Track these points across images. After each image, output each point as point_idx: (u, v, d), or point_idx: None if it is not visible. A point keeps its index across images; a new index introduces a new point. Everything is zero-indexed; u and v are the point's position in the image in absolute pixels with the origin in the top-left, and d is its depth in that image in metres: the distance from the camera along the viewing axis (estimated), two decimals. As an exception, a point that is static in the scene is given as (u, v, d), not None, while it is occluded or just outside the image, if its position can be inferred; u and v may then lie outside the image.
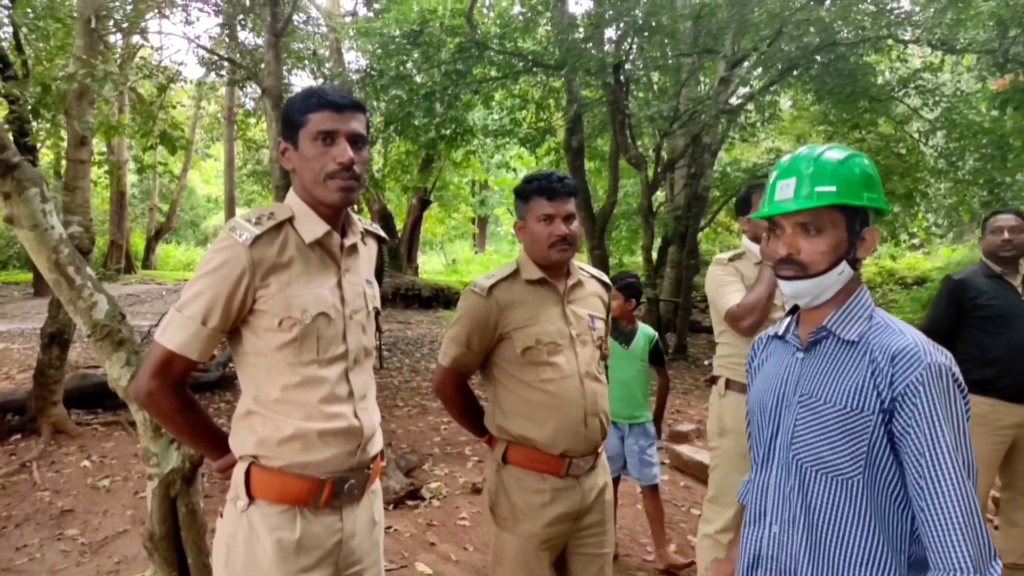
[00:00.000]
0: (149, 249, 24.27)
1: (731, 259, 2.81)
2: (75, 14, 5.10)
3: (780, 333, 1.46)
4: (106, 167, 10.67)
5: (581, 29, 8.85)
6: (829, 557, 1.28)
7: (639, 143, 11.10)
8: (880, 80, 10.92)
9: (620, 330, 3.52)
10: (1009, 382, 2.99)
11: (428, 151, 12.57)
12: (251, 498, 1.45)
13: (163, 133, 9.86)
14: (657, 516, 3.52)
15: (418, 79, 9.73)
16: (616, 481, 3.56)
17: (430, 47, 8.90)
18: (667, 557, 3.49)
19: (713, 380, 2.89)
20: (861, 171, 1.31)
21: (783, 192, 1.33)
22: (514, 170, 18.19)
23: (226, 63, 9.98)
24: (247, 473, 1.46)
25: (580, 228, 2.04)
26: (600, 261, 10.47)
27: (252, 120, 13.91)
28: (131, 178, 24.54)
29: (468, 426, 2.16)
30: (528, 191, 2.01)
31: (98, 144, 17.29)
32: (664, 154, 10.24)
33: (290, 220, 1.51)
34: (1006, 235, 3.06)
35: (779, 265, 1.34)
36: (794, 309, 1.44)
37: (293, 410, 1.45)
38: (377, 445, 1.62)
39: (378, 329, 1.98)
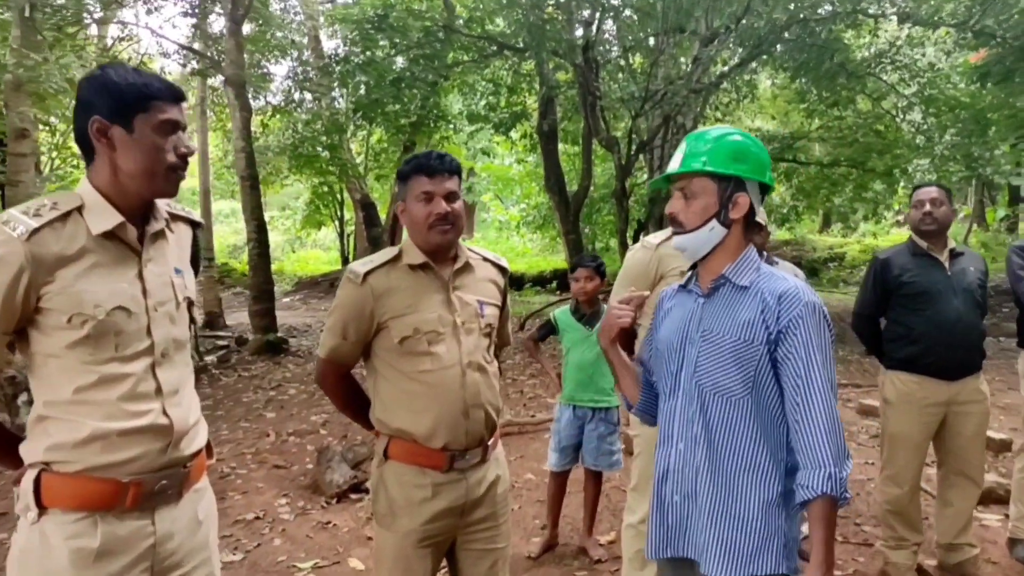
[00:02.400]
0: (132, 244, 24.05)
1: (660, 243, 2.65)
2: (10, 3, 4.93)
3: (684, 284, 1.71)
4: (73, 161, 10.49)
5: (548, 8, 8.69)
6: (724, 466, 1.53)
7: (614, 125, 10.98)
8: (858, 56, 10.79)
9: (581, 312, 3.44)
10: (934, 359, 2.91)
11: (404, 138, 12.41)
12: (42, 508, 1.35)
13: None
14: (592, 501, 3.46)
15: (390, 64, 9.58)
16: (565, 474, 3.50)
17: (396, 32, 8.73)
18: (588, 544, 3.44)
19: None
20: (732, 146, 1.58)
21: (673, 162, 1.63)
22: (490, 155, 18.04)
23: (187, 52, 9.80)
24: (36, 481, 1.36)
25: (464, 208, 1.93)
26: (575, 246, 10.38)
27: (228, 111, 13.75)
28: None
29: (356, 420, 2.07)
30: (407, 170, 1.91)
31: (69, 136, 17.09)
32: (637, 136, 10.12)
33: (79, 209, 1.41)
34: (927, 207, 2.96)
35: (670, 223, 1.65)
36: (693, 267, 1.69)
37: (91, 410, 1.37)
38: (196, 442, 1.54)
39: (192, 321, 1.90)
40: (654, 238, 2.68)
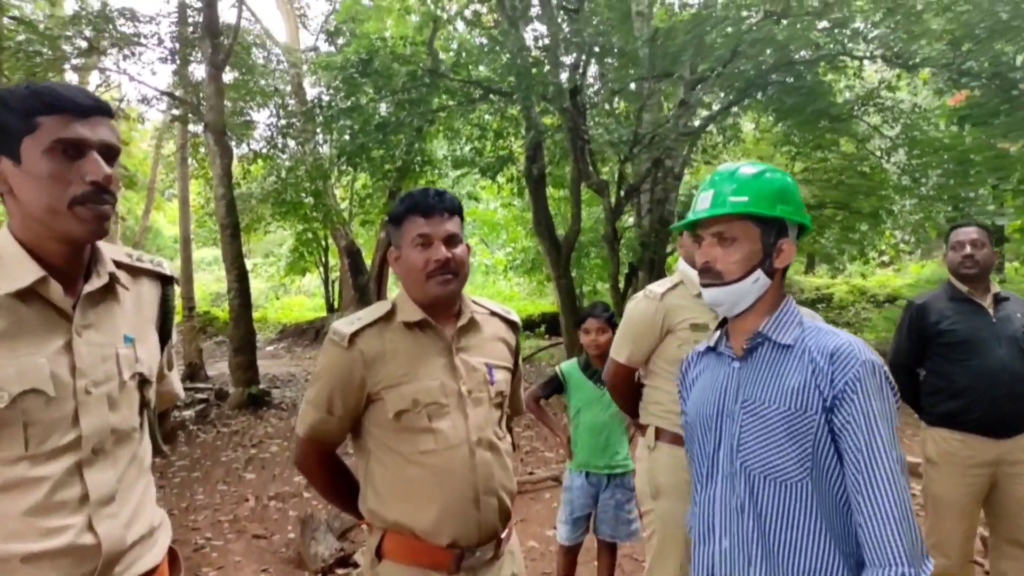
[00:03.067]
0: (111, 293, 23.63)
1: (666, 292, 2.42)
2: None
3: (712, 346, 1.49)
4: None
5: (534, 53, 8.66)
6: (783, 565, 1.27)
7: (602, 168, 10.90)
8: (840, 99, 10.87)
9: (592, 368, 3.12)
10: (978, 414, 2.66)
11: (389, 184, 12.27)
12: None
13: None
14: (607, 575, 3.14)
15: (376, 108, 9.48)
16: (576, 548, 3.17)
17: (381, 77, 8.64)
18: None
19: (641, 429, 2.53)
20: (775, 184, 1.38)
21: (702, 203, 1.41)
22: (478, 199, 17.96)
23: (166, 98, 9.65)
24: None
25: (467, 255, 1.68)
26: (567, 291, 10.18)
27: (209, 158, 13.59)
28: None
29: (344, 508, 1.78)
30: (400, 212, 1.65)
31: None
32: (627, 179, 10.03)
33: None
34: (968, 250, 2.75)
35: (700, 274, 1.42)
36: (722, 323, 1.47)
37: None
38: (142, 563, 1.22)
39: (144, 405, 1.20)
40: (658, 286, 2.45)
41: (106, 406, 1.19)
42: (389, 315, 1.65)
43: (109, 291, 1.25)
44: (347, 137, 9.26)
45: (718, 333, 1.49)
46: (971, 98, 9.34)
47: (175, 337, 1.49)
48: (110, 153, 1.19)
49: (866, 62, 9.90)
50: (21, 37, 8.30)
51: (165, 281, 1.41)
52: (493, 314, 1.80)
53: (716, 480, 1.39)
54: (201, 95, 9.62)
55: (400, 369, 1.59)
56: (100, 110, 1.19)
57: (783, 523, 1.28)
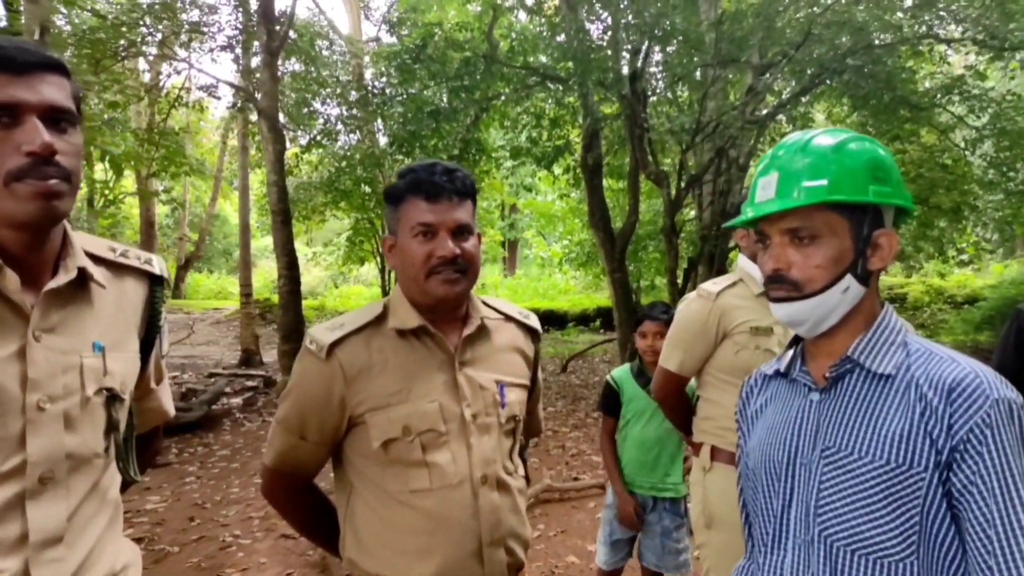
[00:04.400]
0: (179, 278, 24.43)
1: (721, 291, 2.12)
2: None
3: (782, 370, 1.16)
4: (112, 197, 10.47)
5: (593, 37, 8.33)
6: None
7: (662, 159, 10.51)
8: (922, 87, 10.20)
9: (647, 376, 2.77)
10: None
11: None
12: None
13: (164, 157, 9.62)
14: None
15: (430, 95, 9.34)
16: (616, 573, 2.87)
17: (435, 63, 8.46)
18: None
19: (695, 448, 2.23)
20: (865, 158, 1.04)
21: (764, 192, 1.07)
22: (531, 190, 17.74)
23: (225, 86, 9.72)
24: None
25: (479, 249, 1.39)
26: (621, 286, 9.85)
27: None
28: (162, 208, 24.86)
29: (324, 546, 1.51)
30: (400, 189, 1.35)
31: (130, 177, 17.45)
32: (688, 170, 9.62)
33: None
34: None
35: (768, 284, 1.09)
36: (796, 339, 1.15)
37: None
38: None
39: (113, 426, 1.08)
40: (713, 285, 2.15)
41: (61, 426, 0.99)
42: (378, 320, 1.37)
43: (79, 289, 1.06)
44: (400, 124, 9.12)
45: (790, 353, 1.17)
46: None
47: (166, 345, 1.27)
48: (61, 116, 0.99)
49: (952, 47, 9.23)
50: (86, 26, 8.46)
51: (154, 281, 1.21)
52: (508, 319, 1.50)
53: (785, 547, 1.07)
54: (256, 82, 9.66)
55: (389, 387, 1.31)
56: (45, 65, 0.99)
57: None
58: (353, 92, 12.25)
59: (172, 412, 1.40)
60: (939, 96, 10.12)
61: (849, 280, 1.04)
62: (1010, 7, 6.90)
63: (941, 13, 7.59)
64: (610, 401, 2.86)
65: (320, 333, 1.35)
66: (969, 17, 7.12)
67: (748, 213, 1.09)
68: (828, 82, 9.08)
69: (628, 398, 2.81)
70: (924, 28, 7.57)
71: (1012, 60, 9.23)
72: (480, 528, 1.30)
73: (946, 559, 0.95)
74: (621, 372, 2.90)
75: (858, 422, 1.02)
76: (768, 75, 8.62)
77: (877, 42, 7.57)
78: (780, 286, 1.07)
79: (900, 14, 7.78)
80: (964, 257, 17.56)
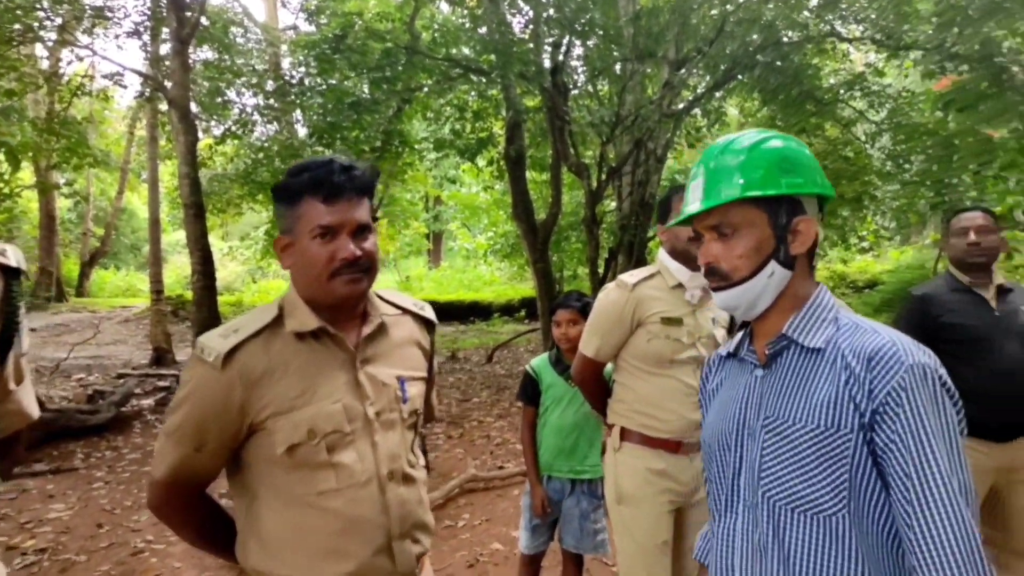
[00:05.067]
0: (83, 275, 23.11)
1: (638, 282, 2.24)
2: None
3: (732, 351, 1.28)
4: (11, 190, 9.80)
5: (515, 30, 8.36)
6: None
7: (584, 151, 10.67)
8: (825, 84, 10.72)
9: (564, 363, 2.84)
10: (987, 417, 2.42)
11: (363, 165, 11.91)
12: None
13: (66, 148, 9.09)
14: None
15: (350, 86, 9.14)
16: (539, 557, 2.92)
17: (355, 53, 8.29)
18: None
19: (608, 429, 2.36)
20: (774, 154, 1.15)
21: (693, 194, 1.20)
22: (457, 183, 17.66)
23: (131, 74, 9.24)
24: None
25: (377, 246, 1.38)
26: (544, 276, 9.97)
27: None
28: (64, 202, 23.41)
29: (219, 555, 1.44)
30: (294, 187, 1.31)
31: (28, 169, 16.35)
32: (608, 162, 9.81)
33: None
34: (972, 236, 2.52)
35: (706, 276, 1.21)
36: (745, 322, 1.26)
37: None
38: None
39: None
40: (631, 276, 2.27)
41: None
42: (276, 323, 1.33)
43: None
44: (319, 116, 8.91)
45: (739, 335, 1.27)
46: (957, 83, 9.22)
47: (26, 343, 1.21)
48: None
49: (853, 46, 9.74)
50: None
51: (10, 274, 1.14)
52: (404, 312, 1.50)
53: (736, 511, 1.17)
54: (165, 71, 9.23)
55: (291, 391, 1.28)
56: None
57: (815, 566, 1.05)
58: (270, 82, 11.91)
59: (36, 414, 1.33)
60: (842, 92, 10.66)
61: (773, 266, 1.14)
62: (904, 9, 7.34)
63: (843, 13, 7.99)
64: (529, 390, 2.90)
65: (213, 341, 1.28)
66: (868, 18, 7.53)
67: (680, 215, 1.23)
68: (740, 77, 9.43)
69: (547, 385, 2.86)
70: (828, 27, 7.96)
71: (906, 59, 9.79)
72: (390, 523, 1.31)
73: (874, 511, 1.04)
74: (540, 361, 2.93)
75: (793, 392, 1.11)
76: (683, 70, 8.87)
77: (785, 39, 7.90)
78: (713, 277, 1.18)
79: (807, 13, 8.15)
80: (865, 244, 18.63)
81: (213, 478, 1.37)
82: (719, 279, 1.17)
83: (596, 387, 2.39)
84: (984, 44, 7.35)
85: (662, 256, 2.30)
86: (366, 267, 1.32)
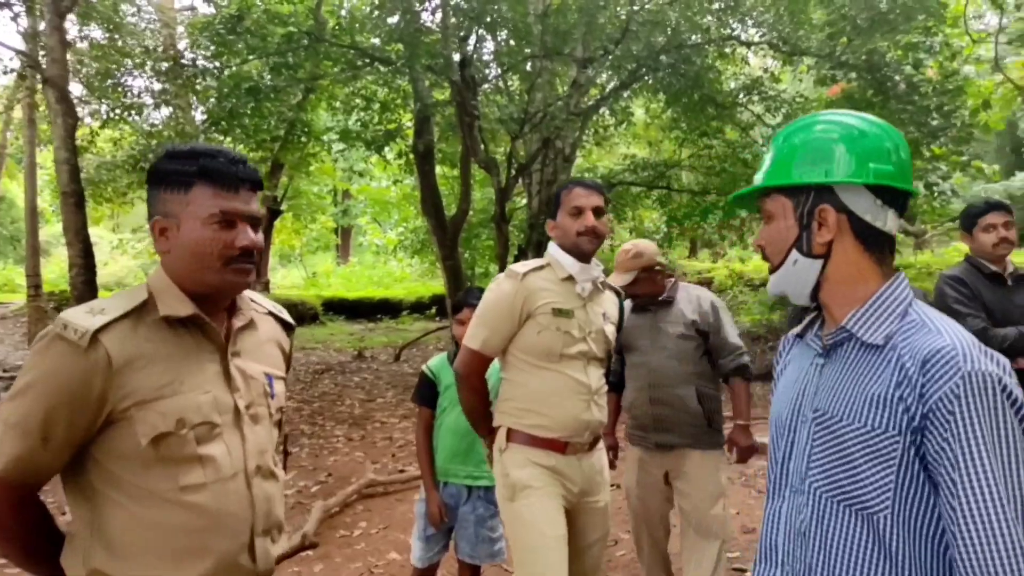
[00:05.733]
0: (-49, 269, 21.17)
1: (528, 272, 2.18)
2: None
3: (800, 332, 1.26)
4: None
5: (424, 19, 8.19)
6: None
7: (494, 147, 10.61)
8: (726, 88, 11.10)
9: None
10: None
11: (267, 156, 11.42)
12: None
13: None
14: None
15: (248, 71, 8.71)
16: (432, 570, 2.79)
17: (253, 36, 7.89)
18: None
19: (492, 432, 2.28)
20: (805, 143, 1.13)
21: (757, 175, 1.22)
22: (367, 177, 17.30)
23: (3, 49, 8.46)
24: None
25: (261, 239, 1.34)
26: (453, 273, 9.86)
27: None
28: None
29: (39, 567, 1.28)
30: (187, 172, 1.25)
31: None
32: (517, 159, 9.80)
33: None
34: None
35: (763, 259, 1.23)
36: (818, 307, 1.21)
37: None
38: None
39: None
40: (522, 266, 2.21)
41: None
42: (144, 307, 1.25)
43: None
44: (215, 101, 8.44)
45: (809, 317, 1.25)
46: (846, 90, 9.77)
47: None
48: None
49: (752, 51, 10.12)
50: None
51: None
52: (268, 313, 1.49)
53: (783, 495, 1.18)
54: (43, 47, 8.50)
55: (159, 379, 1.21)
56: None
57: (853, 560, 1.05)
58: (163, 64, 11.22)
59: None
60: (741, 96, 11.09)
61: (795, 255, 1.14)
62: (800, 16, 7.67)
63: (743, 17, 8.27)
64: (426, 392, 2.78)
65: (79, 318, 1.18)
66: (766, 22, 7.81)
67: (733, 195, 1.25)
68: (646, 78, 9.62)
69: (445, 386, 2.74)
70: (728, 31, 8.21)
71: (801, 65, 10.27)
72: (254, 519, 1.28)
73: (922, 515, 1.01)
74: (437, 361, 2.82)
75: (846, 388, 1.09)
76: (590, 69, 8.96)
77: (687, 41, 8.10)
78: (765, 259, 1.21)
79: (709, 16, 8.38)
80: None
81: (51, 478, 1.24)
82: (768, 262, 1.21)
83: (479, 383, 2.25)
84: (870, 54, 7.79)
85: (552, 249, 2.26)
86: (255, 260, 1.31)
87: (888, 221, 1.11)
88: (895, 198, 1.11)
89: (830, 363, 1.15)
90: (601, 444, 2.35)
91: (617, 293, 2.44)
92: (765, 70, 11.27)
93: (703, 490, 2.71)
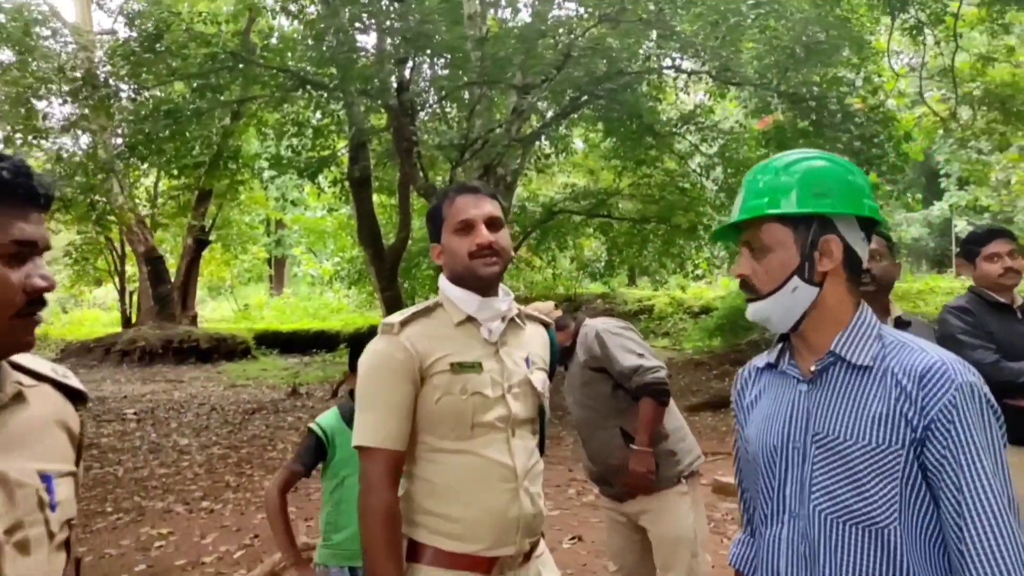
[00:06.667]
0: None
1: (408, 321, 1.61)
2: None
3: (773, 362, 1.30)
4: None
5: (358, 40, 7.91)
6: None
7: (433, 175, 10.36)
8: (664, 117, 11.21)
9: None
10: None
11: (192, 183, 10.84)
12: None
13: None
14: None
15: (166, 91, 8.22)
16: None
17: (173, 56, 7.44)
18: None
19: None
20: (805, 175, 1.20)
21: (734, 208, 1.28)
22: (301, 206, 16.80)
23: None
24: None
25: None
26: (392, 304, 9.47)
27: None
28: None
29: None
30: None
31: None
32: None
33: None
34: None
35: (740, 288, 1.29)
36: (783, 336, 1.29)
37: None
38: None
39: None
40: (397, 315, 1.65)
41: None
42: None
43: None
44: (131, 124, 7.90)
45: (779, 348, 1.29)
46: (777, 122, 9.99)
47: None
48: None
49: (688, 81, 10.23)
50: None
51: None
52: (43, 379, 1.05)
53: (782, 520, 1.21)
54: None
55: None
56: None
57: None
58: (74, 84, 10.58)
59: None
60: (678, 126, 11.21)
61: (796, 282, 1.18)
62: (736, 46, 7.73)
63: (680, 45, 8.29)
64: (314, 455, 2.25)
65: None
66: (708, 48, 7.84)
67: (715, 229, 1.28)
68: (586, 108, 9.58)
69: (341, 448, 2.20)
70: (669, 59, 8.22)
71: (731, 98, 10.46)
72: None
73: (923, 524, 1.09)
74: (330, 419, 2.28)
75: (843, 409, 1.15)
76: (531, 95, 8.84)
77: (627, 69, 8.07)
78: (745, 289, 1.25)
79: (650, 43, 8.38)
80: (699, 272, 19.85)
81: None
82: (749, 291, 1.23)
83: (394, 501, 1.57)
84: (804, 84, 7.92)
85: (442, 284, 1.69)
86: (44, 302, 0.95)
87: (864, 251, 1.22)
88: (868, 230, 1.23)
89: (818, 388, 1.19)
90: (543, 549, 1.74)
91: (545, 324, 1.85)
92: (697, 106, 11.47)
93: (662, 536, 2.53)
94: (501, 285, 1.69)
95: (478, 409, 1.58)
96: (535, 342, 1.77)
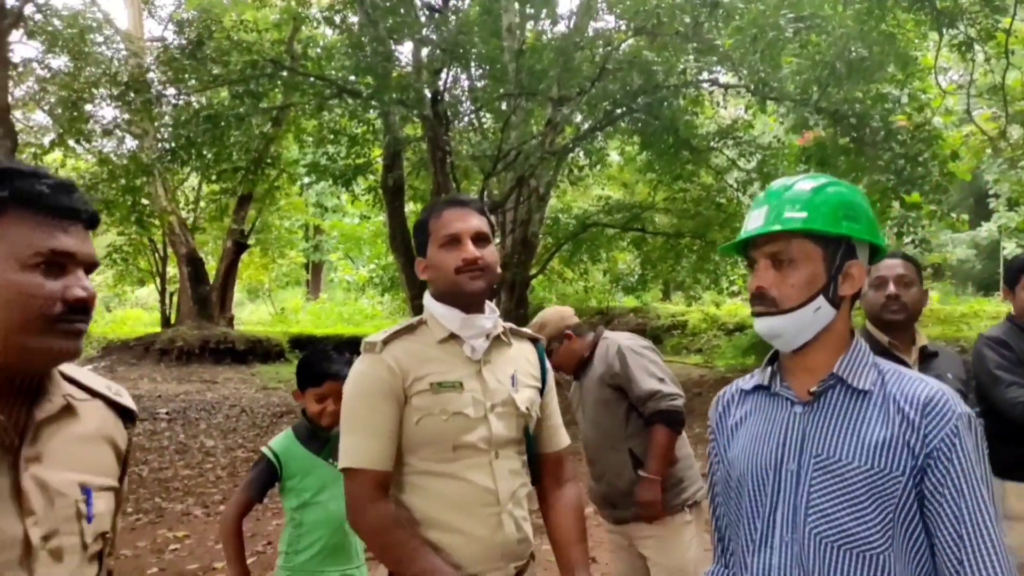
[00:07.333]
0: None
1: (389, 340, 1.58)
2: None
3: (764, 384, 1.27)
4: None
5: (395, 51, 7.99)
6: None
7: (467, 184, 10.40)
8: (701, 131, 11.08)
9: (323, 438, 2.17)
10: None
11: (233, 187, 11.05)
12: None
13: None
14: None
15: (210, 97, 8.41)
16: None
17: (215, 63, 7.61)
18: None
19: None
20: (838, 198, 1.22)
21: (754, 221, 1.24)
22: (340, 212, 17.01)
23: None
24: None
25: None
26: (421, 312, 9.49)
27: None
28: None
29: None
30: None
31: None
32: (489, 197, 9.57)
33: None
34: (891, 288, 2.16)
35: (752, 301, 1.24)
36: (772, 358, 1.28)
37: None
38: None
39: None
40: (379, 335, 1.60)
41: None
42: None
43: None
44: (172, 129, 8.09)
45: (768, 369, 1.27)
46: (818, 139, 9.79)
47: None
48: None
49: (726, 96, 10.10)
50: None
51: None
52: (95, 395, 1.06)
53: (772, 546, 1.18)
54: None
55: None
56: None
57: None
58: (119, 88, 10.91)
59: None
60: (715, 140, 11.06)
61: (821, 301, 1.17)
62: (775, 60, 7.60)
63: (718, 58, 8.20)
64: (264, 480, 2.18)
65: None
66: (747, 63, 7.73)
67: (740, 236, 1.24)
68: (622, 121, 9.52)
69: (300, 472, 2.16)
70: (706, 73, 8.13)
71: (773, 113, 10.28)
72: None
73: (912, 549, 1.11)
74: (283, 442, 2.21)
75: (843, 432, 1.15)
76: (566, 108, 8.82)
77: (664, 83, 8.00)
78: (760, 302, 1.20)
79: (687, 57, 8.31)
80: (735, 288, 19.55)
81: None
82: (767, 305, 1.19)
83: (389, 523, 1.53)
84: (847, 102, 7.75)
85: (426, 301, 1.66)
86: (87, 319, 0.95)
87: (865, 281, 1.25)
88: (871, 261, 1.27)
89: (815, 410, 1.19)
90: (532, 574, 1.69)
91: (533, 340, 1.79)
92: (735, 121, 11.30)
93: (662, 566, 2.46)
94: (487, 302, 1.65)
95: (459, 430, 1.54)
96: (524, 360, 1.71)
